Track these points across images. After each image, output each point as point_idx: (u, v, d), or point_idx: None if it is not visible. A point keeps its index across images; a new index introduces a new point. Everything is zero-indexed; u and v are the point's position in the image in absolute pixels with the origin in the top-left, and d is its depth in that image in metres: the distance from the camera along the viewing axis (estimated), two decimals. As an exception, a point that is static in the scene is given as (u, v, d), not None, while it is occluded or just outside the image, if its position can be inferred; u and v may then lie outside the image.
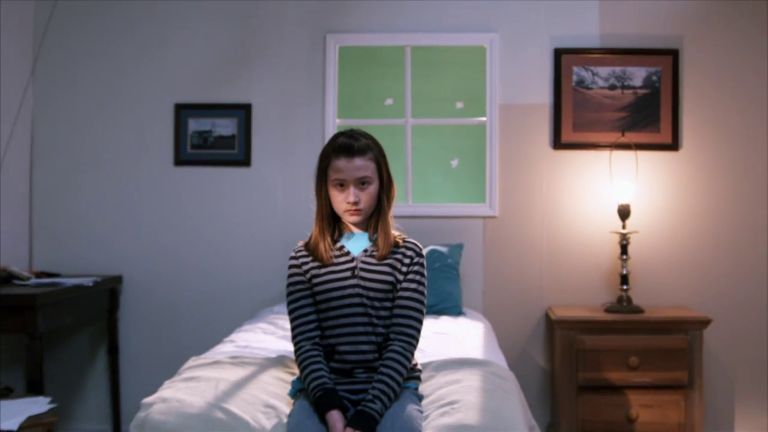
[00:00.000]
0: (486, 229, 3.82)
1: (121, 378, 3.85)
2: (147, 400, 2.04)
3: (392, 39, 3.88)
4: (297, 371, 2.17)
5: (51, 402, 2.84)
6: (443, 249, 3.62)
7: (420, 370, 2.24)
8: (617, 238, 3.64)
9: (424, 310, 2.16)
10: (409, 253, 2.17)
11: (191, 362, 2.40)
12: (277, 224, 3.85)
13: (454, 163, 3.94)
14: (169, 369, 2.69)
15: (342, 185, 2.12)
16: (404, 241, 2.20)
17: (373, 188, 2.14)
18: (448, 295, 3.49)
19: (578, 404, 3.42)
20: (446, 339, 2.89)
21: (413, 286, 2.14)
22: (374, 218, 2.19)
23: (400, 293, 2.14)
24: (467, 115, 3.92)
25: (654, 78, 3.77)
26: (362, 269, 2.14)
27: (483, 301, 3.81)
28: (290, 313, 2.17)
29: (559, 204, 3.80)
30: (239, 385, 2.14)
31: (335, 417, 1.93)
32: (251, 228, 3.86)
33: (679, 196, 3.77)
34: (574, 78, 3.79)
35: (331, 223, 2.21)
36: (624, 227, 3.61)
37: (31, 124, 3.87)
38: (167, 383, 2.19)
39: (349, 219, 2.17)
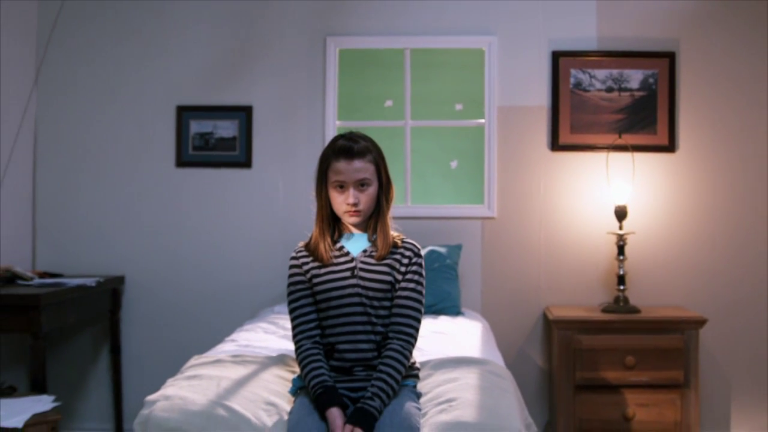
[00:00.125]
0: (484, 230, 3.86)
1: (123, 377, 3.88)
2: (150, 397, 2.07)
3: (392, 42, 3.91)
4: (297, 369, 2.21)
5: (55, 400, 2.87)
6: (442, 250, 3.66)
7: (418, 369, 2.28)
8: (614, 238, 3.67)
9: (423, 310, 2.20)
10: (408, 253, 2.21)
11: (193, 361, 2.44)
12: (277, 225, 3.88)
13: (454, 164, 3.97)
14: (171, 368, 2.71)
15: (342, 187, 2.16)
16: (403, 242, 2.24)
17: (372, 190, 2.18)
18: (447, 295, 3.53)
19: (575, 403, 3.45)
20: (444, 338, 2.93)
21: (412, 285, 2.18)
22: (373, 219, 2.23)
23: (399, 293, 2.18)
24: (466, 116, 3.95)
25: (651, 80, 3.81)
26: (361, 269, 2.18)
27: (481, 301, 3.84)
28: (291, 312, 2.21)
29: (557, 205, 3.84)
30: (241, 383, 2.18)
31: (335, 414, 1.97)
32: (252, 229, 3.89)
33: (676, 198, 3.81)
34: (572, 80, 3.83)
35: (331, 224, 2.24)
36: (621, 228, 3.65)
37: (34, 125, 3.91)
38: (170, 381, 2.23)
39: (348, 220, 2.21)
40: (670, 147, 3.80)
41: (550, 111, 3.84)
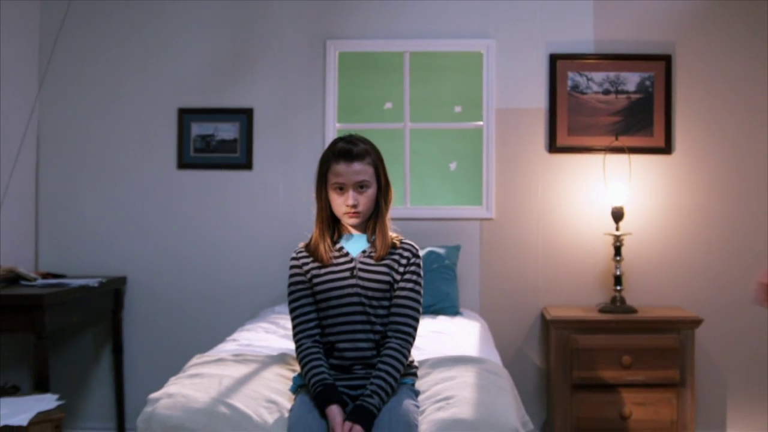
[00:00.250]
0: (483, 231, 3.89)
1: (125, 377, 3.91)
2: (153, 395, 2.10)
3: (391, 45, 3.95)
4: (298, 368, 2.24)
5: (58, 399, 2.90)
6: (441, 250, 3.69)
7: (417, 367, 2.32)
8: (611, 239, 3.71)
9: (421, 309, 2.24)
10: (406, 254, 2.25)
11: (196, 360, 2.47)
12: (277, 226, 3.91)
13: (453, 166, 4.00)
14: (172, 368, 2.74)
15: (341, 189, 2.20)
16: (401, 243, 2.28)
17: (371, 192, 2.22)
18: (446, 295, 3.56)
19: (573, 402, 3.49)
20: (443, 338, 2.96)
21: (410, 285, 2.22)
22: (372, 220, 2.26)
23: (397, 292, 2.22)
24: (465, 118, 3.98)
25: (647, 83, 3.85)
26: (361, 269, 2.22)
27: (480, 302, 3.87)
28: (291, 311, 2.25)
29: (555, 206, 3.87)
30: (242, 382, 2.21)
31: (335, 411, 2.01)
32: (253, 230, 3.93)
33: (672, 199, 3.84)
34: (569, 83, 3.87)
35: (331, 225, 2.28)
36: (617, 229, 3.68)
37: (37, 127, 3.94)
38: (173, 380, 2.26)
39: (348, 221, 2.25)
40: (666, 149, 3.83)
41: (548, 113, 3.88)
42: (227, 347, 2.74)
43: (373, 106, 4.02)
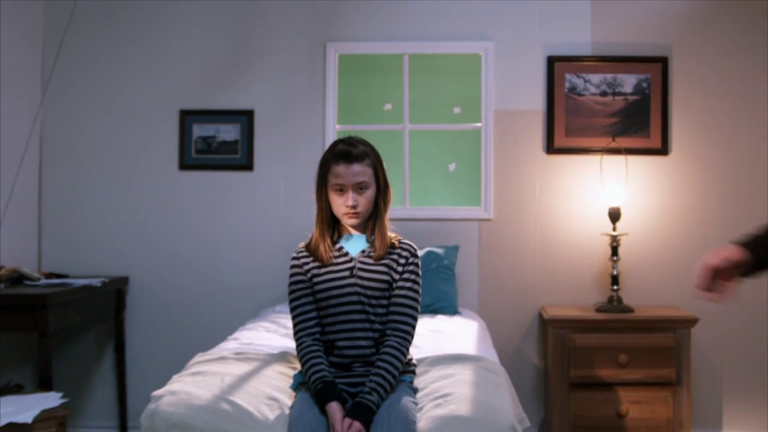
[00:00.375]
0: (481, 231, 3.92)
1: (127, 375, 3.94)
2: (157, 392, 2.14)
3: (390, 47, 3.98)
4: (298, 366, 2.28)
5: (62, 397, 2.93)
6: (439, 251, 3.72)
7: (415, 365, 2.35)
8: (608, 240, 3.74)
9: (419, 308, 2.27)
10: (405, 253, 2.29)
11: (198, 358, 2.51)
12: (278, 226, 3.94)
13: (452, 167, 4.03)
14: (174, 367, 2.76)
15: (341, 190, 2.23)
16: (400, 243, 2.31)
17: (370, 192, 2.26)
18: (444, 294, 3.59)
19: (570, 400, 3.52)
20: (441, 336, 2.99)
21: (408, 285, 2.25)
22: (371, 221, 2.30)
23: (396, 292, 2.25)
24: (464, 120, 4.01)
25: (644, 85, 3.88)
26: (360, 269, 2.26)
27: (478, 301, 3.91)
28: (292, 310, 2.28)
29: (552, 207, 3.91)
30: (244, 379, 2.25)
31: (334, 408, 2.04)
32: (253, 230, 3.96)
33: (668, 199, 3.87)
34: (567, 85, 3.90)
35: (331, 225, 2.32)
36: (614, 229, 3.71)
37: (40, 128, 3.97)
38: (175, 377, 2.29)
39: (347, 221, 2.28)
40: (662, 150, 3.87)
41: (546, 115, 3.91)
42: (229, 346, 2.77)
43: (372, 107, 4.05)
